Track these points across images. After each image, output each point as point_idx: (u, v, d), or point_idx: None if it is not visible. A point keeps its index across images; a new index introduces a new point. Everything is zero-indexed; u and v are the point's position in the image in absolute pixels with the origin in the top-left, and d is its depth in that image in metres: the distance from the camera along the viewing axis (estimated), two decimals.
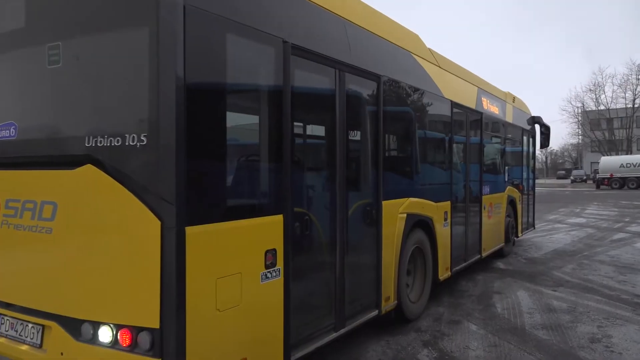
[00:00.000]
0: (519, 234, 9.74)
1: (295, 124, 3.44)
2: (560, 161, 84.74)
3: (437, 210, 5.64)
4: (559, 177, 66.97)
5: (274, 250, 3.09)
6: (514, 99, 9.39)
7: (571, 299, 6.13)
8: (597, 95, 59.76)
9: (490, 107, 7.87)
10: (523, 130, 9.92)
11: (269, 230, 3.08)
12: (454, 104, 6.30)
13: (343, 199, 3.89)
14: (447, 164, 6.28)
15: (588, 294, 6.37)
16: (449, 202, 6.06)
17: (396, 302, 4.71)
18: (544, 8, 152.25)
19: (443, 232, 5.83)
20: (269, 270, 3.04)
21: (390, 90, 4.72)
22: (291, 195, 3.28)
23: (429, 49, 5.87)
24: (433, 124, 6.11)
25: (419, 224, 5.20)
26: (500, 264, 8.37)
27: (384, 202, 4.46)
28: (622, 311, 5.58)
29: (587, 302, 5.98)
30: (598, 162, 44.64)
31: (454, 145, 6.49)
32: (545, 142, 11.27)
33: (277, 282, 3.12)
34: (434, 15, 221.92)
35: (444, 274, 5.87)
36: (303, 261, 3.55)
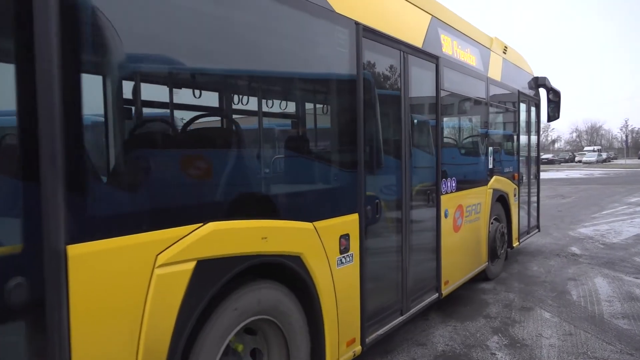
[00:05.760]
0: (515, 243, 6.92)
1: None
2: None
3: (314, 239, 2.89)
4: None
5: None
6: (505, 48, 6.37)
7: None
8: None
9: (458, 53, 4.96)
10: (520, 94, 7.00)
11: None
12: (367, 31, 3.36)
13: None
14: (346, 145, 3.30)
15: None
16: (355, 217, 3.25)
17: None
18: None
19: (337, 276, 3.06)
20: None
21: None
22: None
23: None
24: (288, 61, 2.89)
25: (262, 271, 2.59)
26: (575, 249, 7.94)
27: (72, 248, 1.69)
28: None
29: None
30: None
31: (369, 111, 3.48)
32: (554, 113, 8.25)
33: None
34: None
35: (344, 354, 3.16)
36: None
